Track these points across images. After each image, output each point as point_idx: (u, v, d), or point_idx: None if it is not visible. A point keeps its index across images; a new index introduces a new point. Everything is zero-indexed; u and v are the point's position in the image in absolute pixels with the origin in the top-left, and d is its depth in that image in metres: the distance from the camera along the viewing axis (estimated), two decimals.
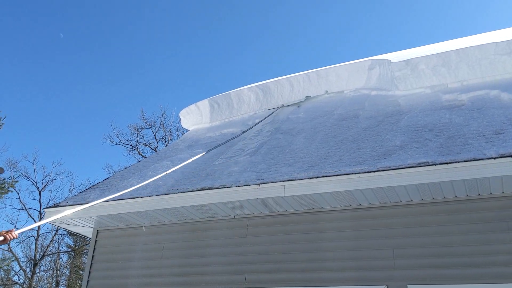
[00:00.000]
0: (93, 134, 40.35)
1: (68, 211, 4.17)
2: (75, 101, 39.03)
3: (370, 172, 4.45)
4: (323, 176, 4.65)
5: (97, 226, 6.30)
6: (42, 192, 26.15)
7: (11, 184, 17.95)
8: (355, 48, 40.53)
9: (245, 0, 40.72)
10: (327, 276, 4.78)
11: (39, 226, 24.64)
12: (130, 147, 25.36)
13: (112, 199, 5.44)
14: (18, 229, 3.31)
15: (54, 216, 3.85)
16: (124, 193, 5.01)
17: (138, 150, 25.24)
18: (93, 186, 6.84)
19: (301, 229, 5.13)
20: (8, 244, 24.07)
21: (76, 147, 39.04)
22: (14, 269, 24.25)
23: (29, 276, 23.92)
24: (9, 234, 3.30)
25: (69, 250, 27.00)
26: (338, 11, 40.75)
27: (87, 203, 5.86)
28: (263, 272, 5.09)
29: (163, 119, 26.93)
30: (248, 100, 8.80)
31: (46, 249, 25.22)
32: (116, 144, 25.39)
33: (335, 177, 4.60)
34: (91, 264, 6.16)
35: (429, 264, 4.40)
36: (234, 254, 5.36)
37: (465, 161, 4.12)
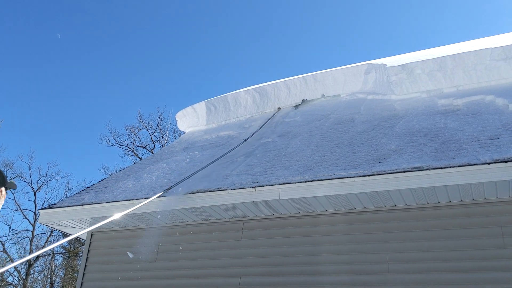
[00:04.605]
0: (89, 135, 40.17)
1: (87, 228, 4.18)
2: (71, 101, 38.92)
3: (365, 176, 4.46)
4: (318, 180, 4.66)
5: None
6: (37, 193, 26.00)
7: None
8: (352, 52, 40.64)
9: (242, 3, 40.81)
10: (322, 280, 4.78)
11: (33, 227, 24.59)
12: (127, 148, 25.29)
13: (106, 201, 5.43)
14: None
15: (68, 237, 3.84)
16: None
17: (135, 151, 25.18)
18: (88, 187, 6.82)
19: (296, 233, 5.14)
20: (3, 245, 24.00)
21: (72, 148, 38.87)
22: (8, 269, 24.13)
23: (24, 277, 23.79)
24: None
25: (64, 251, 26.85)
26: (335, 15, 40.90)
27: (82, 205, 5.85)
28: (257, 275, 5.09)
29: (160, 121, 26.91)
30: (245, 103, 8.80)
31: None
32: (113, 145, 25.29)
33: (330, 180, 4.61)
34: (85, 266, 6.14)
35: (423, 269, 4.41)
36: (229, 257, 5.35)
37: (459, 166, 4.13)
